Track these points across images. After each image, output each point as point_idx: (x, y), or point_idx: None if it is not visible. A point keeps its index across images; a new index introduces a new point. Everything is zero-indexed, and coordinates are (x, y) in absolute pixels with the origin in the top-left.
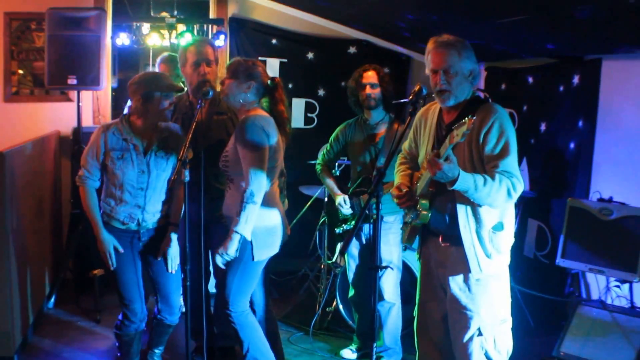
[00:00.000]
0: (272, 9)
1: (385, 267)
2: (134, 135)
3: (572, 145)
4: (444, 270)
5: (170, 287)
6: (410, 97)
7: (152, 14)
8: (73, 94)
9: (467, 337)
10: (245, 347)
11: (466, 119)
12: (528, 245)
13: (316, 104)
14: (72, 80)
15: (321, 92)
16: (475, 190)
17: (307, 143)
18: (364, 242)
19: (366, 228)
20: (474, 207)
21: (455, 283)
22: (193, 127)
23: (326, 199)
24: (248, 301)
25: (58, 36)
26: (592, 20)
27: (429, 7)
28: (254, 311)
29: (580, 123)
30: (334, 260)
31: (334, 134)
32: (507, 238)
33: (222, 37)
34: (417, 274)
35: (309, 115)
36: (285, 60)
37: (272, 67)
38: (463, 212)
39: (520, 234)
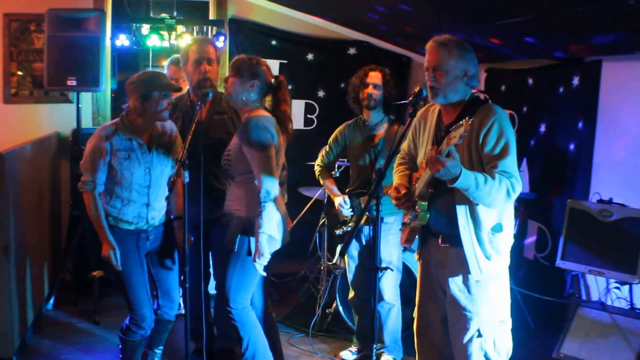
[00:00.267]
0: (271, 10)
1: (385, 268)
2: (136, 134)
3: (572, 146)
4: (443, 271)
5: (173, 281)
6: (410, 98)
7: (151, 15)
8: (72, 95)
9: (466, 338)
10: (244, 345)
11: (463, 121)
12: (528, 247)
13: (316, 105)
14: (72, 82)
15: (321, 94)
16: (476, 189)
17: (306, 144)
18: (364, 243)
19: (366, 229)
20: (473, 208)
21: (455, 284)
22: (193, 128)
23: (326, 200)
24: (249, 298)
25: (57, 37)
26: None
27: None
28: None
29: (580, 124)
30: (333, 261)
31: (333, 136)
32: (506, 239)
33: (221, 38)
34: (417, 275)
35: (308, 116)
36: (285, 61)
37: (272, 68)
38: (462, 213)
39: (520, 235)
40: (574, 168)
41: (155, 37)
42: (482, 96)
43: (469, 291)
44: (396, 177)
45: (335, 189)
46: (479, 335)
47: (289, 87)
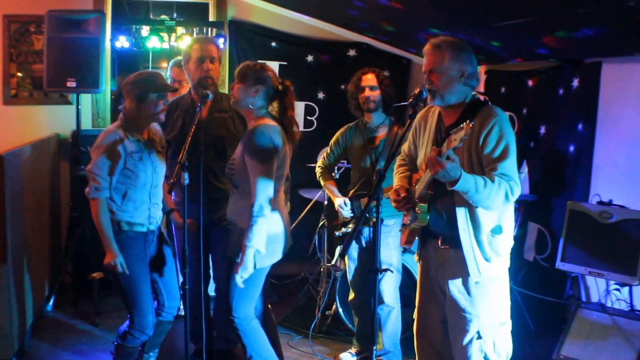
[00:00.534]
0: (271, 11)
1: (385, 270)
2: (139, 134)
3: (571, 148)
4: (443, 273)
5: (175, 280)
6: (410, 99)
7: (151, 17)
8: (72, 97)
9: (466, 340)
10: (248, 354)
11: (464, 124)
12: (528, 249)
13: (316, 107)
14: (71, 83)
15: (321, 95)
16: (475, 192)
17: (306, 146)
18: (364, 245)
19: (366, 231)
20: (473, 210)
21: (455, 286)
22: (192, 130)
23: (326, 202)
24: (252, 307)
25: (57, 39)
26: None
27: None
28: None
29: (580, 126)
30: (333, 263)
31: (334, 138)
32: (506, 241)
33: (221, 40)
34: (417, 277)
35: (308, 118)
36: (285, 63)
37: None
38: (462, 215)
39: (520, 237)
40: (573, 170)
41: (155, 38)
42: (482, 98)
43: (468, 293)
44: (396, 178)
45: (336, 190)
46: (479, 337)
47: None
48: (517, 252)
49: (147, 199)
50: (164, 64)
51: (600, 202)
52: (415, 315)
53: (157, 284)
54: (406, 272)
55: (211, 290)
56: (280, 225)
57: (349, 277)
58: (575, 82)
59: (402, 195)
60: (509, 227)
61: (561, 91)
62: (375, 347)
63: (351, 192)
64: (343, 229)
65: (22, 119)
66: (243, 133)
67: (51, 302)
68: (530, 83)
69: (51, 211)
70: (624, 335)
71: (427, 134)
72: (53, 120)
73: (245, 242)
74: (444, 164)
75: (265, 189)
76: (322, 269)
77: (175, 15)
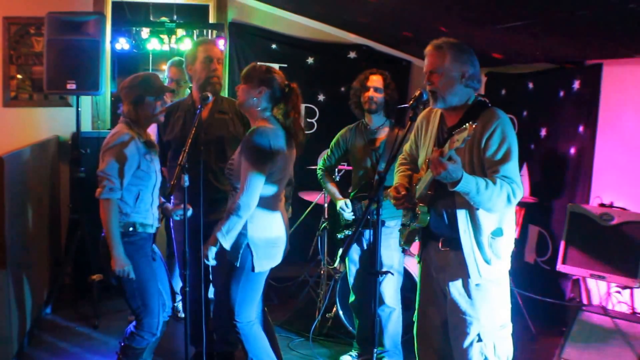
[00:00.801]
0: (271, 14)
1: (386, 273)
2: (143, 135)
3: (572, 150)
4: (443, 275)
5: (166, 278)
6: (411, 102)
7: (151, 19)
8: (72, 99)
9: (466, 342)
10: (249, 359)
11: (467, 124)
12: (528, 251)
13: (316, 109)
14: (71, 85)
15: (321, 98)
16: (476, 193)
17: (306, 148)
18: (365, 247)
19: (367, 233)
20: (474, 212)
21: (455, 288)
22: (193, 132)
23: (326, 205)
24: (254, 311)
25: (57, 41)
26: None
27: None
28: None
29: (581, 128)
30: (334, 265)
31: (334, 139)
32: (506, 244)
33: (221, 42)
34: (417, 279)
35: (308, 120)
36: (285, 65)
37: None
38: (463, 217)
39: (520, 239)
40: (574, 172)
41: (155, 40)
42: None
43: (469, 295)
44: (397, 176)
45: (337, 192)
46: (479, 340)
47: None
48: (517, 254)
49: (154, 200)
50: (164, 66)
51: (601, 205)
52: (415, 318)
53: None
54: (407, 275)
55: (210, 292)
56: (281, 229)
57: (350, 279)
58: (576, 84)
59: (402, 193)
60: (510, 229)
61: (562, 93)
62: (375, 350)
63: (352, 194)
64: (345, 231)
65: (22, 121)
66: (243, 134)
67: (51, 305)
68: (530, 85)
69: (51, 213)
70: (625, 338)
71: (429, 134)
72: (53, 122)
73: (215, 232)
74: (446, 165)
75: (253, 189)
76: (322, 272)
77: (175, 17)
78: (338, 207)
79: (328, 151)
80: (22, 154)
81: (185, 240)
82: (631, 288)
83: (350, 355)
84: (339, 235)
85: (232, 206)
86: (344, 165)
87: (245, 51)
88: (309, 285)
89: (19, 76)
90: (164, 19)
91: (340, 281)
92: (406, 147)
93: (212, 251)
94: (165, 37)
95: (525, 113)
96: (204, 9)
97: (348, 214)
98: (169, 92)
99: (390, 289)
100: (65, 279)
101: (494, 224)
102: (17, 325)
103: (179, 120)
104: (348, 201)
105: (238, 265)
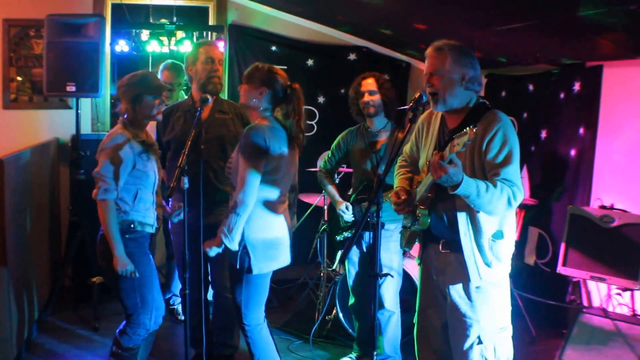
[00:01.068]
0: (271, 16)
1: (386, 275)
2: (140, 135)
3: (573, 152)
4: (444, 278)
5: (159, 289)
6: (410, 104)
7: (151, 21)
8: (72, 101)
9: (467, 345)
10: None
11: (467, 128)
12: (529, 253)
13: (316, 111)
14: (71, 87)
15: (321, 100)
16: (477, 197)
17: (306, 150)
18: (365, 249)
19: (367, 235)
20: (474, 214)
21: (455, 290)
22: (192, 134)
23: (326, 207)
24: (262, 312)
25: (57, 43)
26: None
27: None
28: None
29: (581, 130)
30: (333, 268)
31: (335, 141)
32: (507, 246)
33: (221, 44)
34: (417, 282)
35: (308, 122)
36: (285, 67)
37: None
38: (463, 220)
39: (520, 241)
40: (575, 174)
41: (154, 42)
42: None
43: (469, 298)
44: (397, 180)
45: (337, 195)
46: (480, 342)
47: None
48: (517, 256)
49: (153, 199)
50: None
51: (602, 207)
52: (416, 320)
53: None
54: (406, 278)
55: (209, 295)
56: (280, 231)
57: (350, 281)
58: (577, 86)
59: (403, 197)
60: (511, 232)
61: (562, 95)
62: (375, 352)
63: (352, 196)
64: (344, 234)
65: (22, 123)
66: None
67: (51, 307)
68: (530, 87)
69: (51, 215)
70: (625, 340)
71: (430, 136)
72: (53, 124)
73: (220, 232)
74: (447, 169)
75: (248, 186)
76: (322, 274)
77: (175, 19)
78: (338, 210)
79: (329, 153)
80: (21, 156)
81: (184, 242)
82: (632, 290)
83: (350, 358)
84: (338, 238)
85: (230, 204)
86: (344, 167)
87: (245, 53)
88: (308, 288)
89: (18, 78)
90: (163, 21)
91: (340, 283)
92: (406, 148)
93: (214, 251)
94: (165, 39)
95: (525, 115)
96: (204, 10)
97: (348, 217)
98: (166, 91)
99: (389, 292)
100: (65, 281)
101: (495, 227)
102: (17, 327)
103: (179, 120)
104: (348, 204)
105: (238, 267)
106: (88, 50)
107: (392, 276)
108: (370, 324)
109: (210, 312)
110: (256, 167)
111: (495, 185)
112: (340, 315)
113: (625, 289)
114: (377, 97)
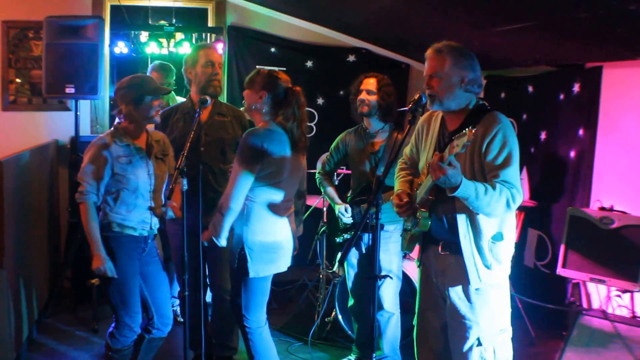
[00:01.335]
0: (271, 17)
1: (385, 277)
2: (131, 139)
3: (572, 153)
4: (443, 280)
5: (165, 296)
6: (410, 105)
7: (150, 23)
8: (71, 103)
9: (466, 347)
10: None
11: (466, 130)
12: (528, 255)
13: (315, 113)
14: (70, 89)
15: (320, 101)
16: (475, 199)
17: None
18: (364, 251)
19: (366, 237)
20: (474, 216)
21: (455, 292)
22: (191, 136)
23: (325, 209)
24: (263, 315)
25: (56, 45)
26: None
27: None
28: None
29: (581, 131)
30: (332, 269)
31: (334, 143)
32: (507, 248)
33: (220, 45)
34: (417, 284)
35: (307, 124)
36: (284, 68)
37: None
38: (463, 222)
39: (520, 243)
40: (574, 175)
41: (153, 44)
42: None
43: (468, 300)
44: (398, 182)
45: (336, 197)
46: (479, 344)
47: None
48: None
49: (142, 204)
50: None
51: (601, 208)
52: (415, 322)
53: (145, 298)
54: (406, 280)
55: (208, 297)
56: (281, 235)
57: (349, 283)
58: (576, 87)
59: (405, 200)
60: (510, 234)
61: (562, 96)
62: (374, 354)
63: (350, 198)
64: (344, 235)
65: (21, 125)
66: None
67: (50, 308)
68: (530, 88)
69: (50, 217)
70: (625, 342)
71: (430, 138)
72: (52, 126)
73: (212, 234)
74: (446, 170)
75: (237, 186)
76: (321, 276)
77: (174, 21)
78: (337, 212)
79: (328, 155)
80: (21, 158)
81: (183, 243)
82: (631, 292)
83: (349, 359)
84: (337, 239)
85: (219, 203)
86: (342, 169)
87: (244, 55)
88: (308, 289)
89: (17, 80)
90: (162, 22)
91: (339, 285)
92: (406, 150)
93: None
94: (164, 40)
95: (525, 116)
96: (203, 12)
97: (347, 219)
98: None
99: (389, 294)
100: (64, 282)
101: (495, 229)
102: (16, 328)
103: (178, 122)
104: (348, 206)
105: (236, 269)
106: (87, 52)
107: (391, 277)
108: (369, 326)
109: (209, 314)
110: (249, 169)
111: (494, 188)
112: (340, 317)
113: (624, 291)
114: (373, 98)
